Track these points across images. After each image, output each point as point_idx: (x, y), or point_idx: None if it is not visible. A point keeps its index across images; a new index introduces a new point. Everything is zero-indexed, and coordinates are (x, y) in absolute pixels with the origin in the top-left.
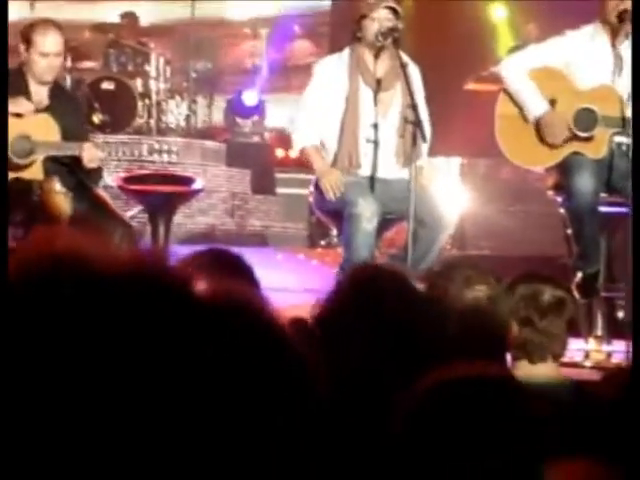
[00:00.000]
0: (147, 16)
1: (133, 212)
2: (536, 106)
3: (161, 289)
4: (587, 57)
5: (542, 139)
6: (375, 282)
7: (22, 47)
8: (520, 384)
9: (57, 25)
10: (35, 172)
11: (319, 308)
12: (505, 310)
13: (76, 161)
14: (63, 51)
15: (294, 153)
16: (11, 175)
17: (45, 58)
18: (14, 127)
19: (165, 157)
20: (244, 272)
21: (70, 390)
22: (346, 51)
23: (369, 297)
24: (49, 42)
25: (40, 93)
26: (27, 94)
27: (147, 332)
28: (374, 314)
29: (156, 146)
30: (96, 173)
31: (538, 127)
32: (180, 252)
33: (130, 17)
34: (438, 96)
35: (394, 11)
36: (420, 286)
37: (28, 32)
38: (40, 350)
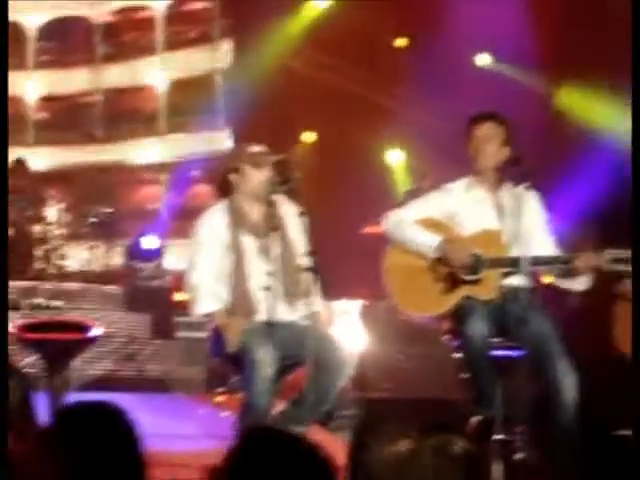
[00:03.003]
0: (47, 162)
1: (31, 359)
2: (430, 240)
3: None
4: (466, 207)
5: (438, 280)
6: (264, 446)
7: None
8: None
9: None
10: None
11: (212, 470)
12: (424, 466)
13: None
14: None
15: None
16: None
17: None
18: None
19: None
20: (123, 430)
21: None
22: (225, 201)
23: (260, 460)
24: None
25: None
26: None
27: None
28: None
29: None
30: None
31: (437, 263)
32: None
33: (20, 164)
34: (339, 239)
35: (280, 162)
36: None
37: None
38: None
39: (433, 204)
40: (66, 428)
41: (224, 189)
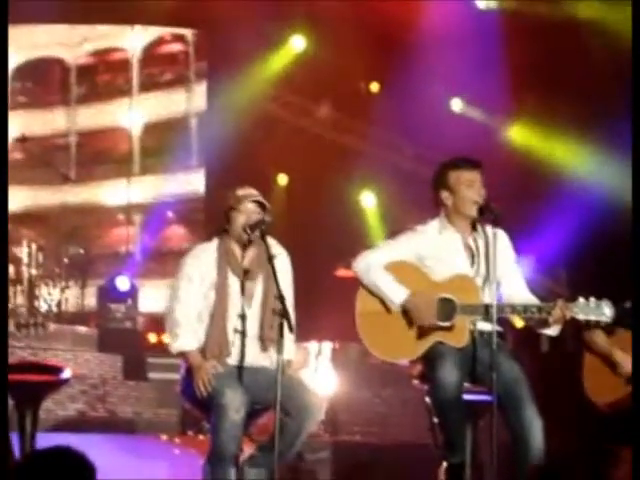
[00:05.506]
0: (20, 202)
1: None
2: (397, 294)
3: None
4: (438, 251)
5: (410, 326)
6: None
7: None
8: None
9: None
10: None
11: None
12: None
13: None
14: None
15: (167, 339)
16: None
17: None
18: None
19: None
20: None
21: None
22: (214, 241)
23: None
24: None
25: None
26: None
27: None
28: None
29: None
30: None
31: (405, 314)
32: (48, 441)
33: None
34: (311, 281)
35: (261, 205)
36: None
37: None
38: None
39: (405, 247)
40: (30, 475)
41: (218, 229)
